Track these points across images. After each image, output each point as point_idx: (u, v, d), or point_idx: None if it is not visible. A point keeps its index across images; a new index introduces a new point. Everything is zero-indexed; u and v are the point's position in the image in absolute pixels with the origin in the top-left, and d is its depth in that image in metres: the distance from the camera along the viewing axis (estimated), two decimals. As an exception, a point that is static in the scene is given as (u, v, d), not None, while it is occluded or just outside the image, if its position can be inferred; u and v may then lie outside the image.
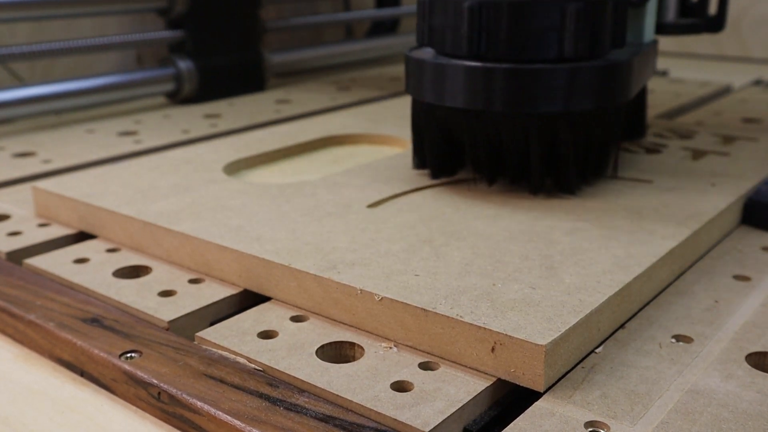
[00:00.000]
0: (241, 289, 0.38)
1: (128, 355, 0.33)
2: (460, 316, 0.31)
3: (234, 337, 0.34)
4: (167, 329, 0.35)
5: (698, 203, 0.44)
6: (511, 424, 0.28)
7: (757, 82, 0.90)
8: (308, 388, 0.30)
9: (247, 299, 0.38)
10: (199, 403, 0.29)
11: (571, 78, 0.42)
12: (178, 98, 0.84)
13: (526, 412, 0.28)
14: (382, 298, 0.33)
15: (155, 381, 0.31)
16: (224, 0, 0.87)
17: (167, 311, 0.36)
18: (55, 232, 0.47)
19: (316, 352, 0.32)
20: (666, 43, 1.09)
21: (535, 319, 0.31)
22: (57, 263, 0.42)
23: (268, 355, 0.32)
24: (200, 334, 0.34)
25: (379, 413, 0.28)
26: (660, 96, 0.78)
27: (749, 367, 0.31)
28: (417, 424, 0.27)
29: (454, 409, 0.28)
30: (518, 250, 0.37)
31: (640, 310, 0.36)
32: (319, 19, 1.07)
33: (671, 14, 0.56)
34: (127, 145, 0.66)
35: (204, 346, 0.33)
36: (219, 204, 0.45)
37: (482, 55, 0.43)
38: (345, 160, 0.59)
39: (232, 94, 0.87)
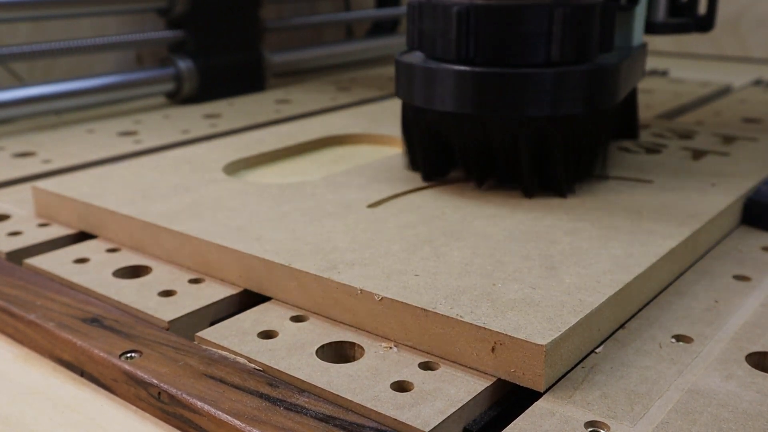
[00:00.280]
0: (241, 289, 0.38)
1: (128, 355, 0.33)
2: (460, 316, 0.31)
3: (234, 337, 0.34)
4: (167, 329, 0.35)
5: (698, 203, 0.44)
6: (511, 424, 0.28)
7: (757, 82, 0.90)
8: (308, 388, 0.30)
9: (247, 299, 0.38)
10: (199, 403, 0.29)
11: (559, 82, 0.43)
12: (178, 98, 0.84)
13: (526, 412, 0.28)
14: (382, 298, 0.33)
15: (155, 381, 0.31)
16: (224, 0, 0.87)
17: (167, 311, 0.36)
18: (55, 232, 0.47)
19: (316, 352, 0.32)
20: (666, 43, 1.10)
21: (535, 319, 0.31)
22: (57, 263, 0.42)
23: (268, 355, 0.32)
24: (200, 334, 0.34)
25: (380, 413, 0.28)
26: (660, 96, 0.78)
27: (749, 367, 0.31)
28: (417, 424, 0.27)
29: (454, 409, 0.28)
30: (518, 250, 0.37)
31: (640, 310, 0.36)
32: (319, 19, 1.07)
33: (661, 14, 0.57)
34: (127, 145, 0.66)
35: (204, 346, 0.33)
36: (219, 204, 0.45)
37: (471, 59, 0.43)
38: (345, 160, 0.59)
39: (232, 94, 0.87)
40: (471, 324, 0.30)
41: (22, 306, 0.37)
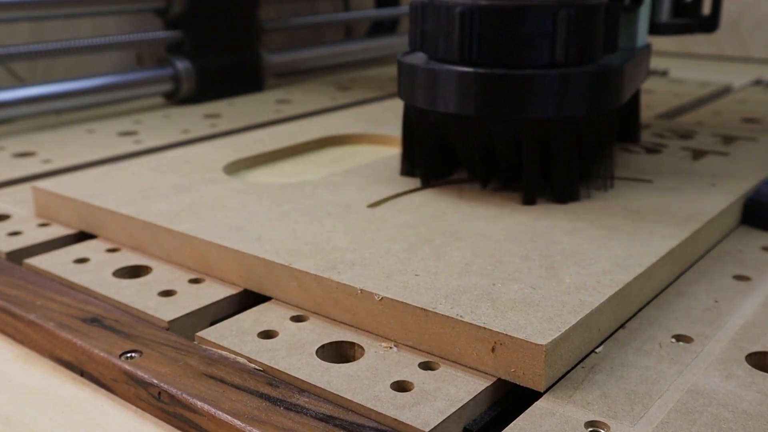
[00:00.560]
0: (241, 289, 0.38)
1: (128, 355, 0.33)
2: (460, 316, 0.31)
3: (234, 337, 0.34)
4: (167, 329, 0.35)
5: (698, 203, 0.44)
6: (511, 424, 0.28)
7: (757, 82, 0.90)
8: (308, 388, 0.30)
9: (247, 299, 0.38)
10: (199, 403, 0.29)
11: (563, 84, 0.42)
12: (176, 98, 0.84)
13: (526, 412, 0.28)
14: (382, 298, 0.33)
15: (155, 381, 0.31)
16: (222, 0, 0.87)
17: (167, 311, 0.36)
18: (55, 232, 0.47)
19: (317, 352, 0.32)
20: (666, 43, 1.10)
21: (536, 319, 0.31)
22: (57, 263, 0.42)
23: (268, 355, 0.32)
24: (200, 334, 0.34)
25: (380, 413, 0.28)
26: (660, 96, 0.78)
27: (749, 367, 0.31)
28: (417, 423, 0.27)
29: (454, 409, 0.28)
30: (518, 250, 0.37)
31: (640, 310, 0.36)
32: (319, 19, 1.07)
33: (665, 14, 0.56)
34: (127, 145, 0.66)
35: (204, 346, 0.33)
36: (219, 204, 0.45)
37: (474, 60, 0.43)
38: (345, 160, 0.59)
39: (230, 95, 0.87)
40: (471, 324, 0.30)
41: (22, 306, 0.37)
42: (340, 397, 0.29)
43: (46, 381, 0.33)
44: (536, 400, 0.29)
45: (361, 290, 0.33)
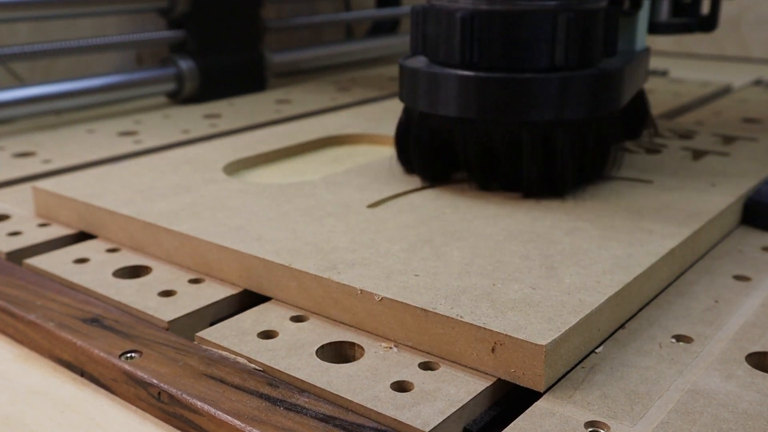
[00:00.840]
0: (241, 289, 0.38)
1: (128, 355, 0.33)
2: (460, 316, 0.31)
3: (234, 337, 0.34)
4: (167, 329, 0.35)
5: (698, 203, 0.44)
6: (511, 424, 0.28)
7: (757, 82, 0.90)
8: (308, 388, 0.30)
9: (247, 299, 0.38)
10: (199, 403, 0.29)
11: (563, 87, 0.43)
12: (179, 98, 0.84)
13: (526, 412, 0.28)
14: (382, 298, 0.33)
15: (155, 381, 0.31)
16: (225, 0, 0.87)
17: (167, 311, 0.36)
18: (55, 232, 0.47)
19: (316, 352, 0.32)
20: (666, 43, 1.10)
21: (535, 319, 0.31)
22: (57, 263, 0.42)
23: (268, 355, 0.32)
24: (200, 334, 0.34)
25: (380, 413, 0.28)
26: (660, 96, 0.78)
27: (749, 367, 0.31)
28: (417, 424, 0.27)
29: (454, 409, 0.28)
30: (518, 250, 0.37)
31: (640, 310, 0.36)
32: (319, 19, 1.07)
33: (664, 14, 0.56)
34: (127, 145, 0.66)
35: (204, 346, 0.33)
36: (219, 204, 0.45)
37: (475, 64, 0.43)
38: (345, 160, 0.59)
39: (233, 94, 0.87)
40: (471, 324, 0.30)
41: (22, 306, 0.37)
42: (340, 397, 0.29)
43: (46, 381, 0.33)
44: (536, 400, 0.29)
45: (361, 290, 0.33)
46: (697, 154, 0.54)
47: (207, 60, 0.84)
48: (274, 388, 0.30)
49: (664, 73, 0.95)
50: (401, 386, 0.30)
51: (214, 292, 0.38)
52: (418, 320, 0.32)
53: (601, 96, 0.44)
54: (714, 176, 0.49)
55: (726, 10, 1.00)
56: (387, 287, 0.33)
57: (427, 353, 0.32)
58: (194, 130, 0.71)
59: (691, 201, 0.44)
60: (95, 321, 0.36)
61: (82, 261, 0.42)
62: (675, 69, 0.98)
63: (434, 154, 0.47)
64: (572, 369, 0.31)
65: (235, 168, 0.55)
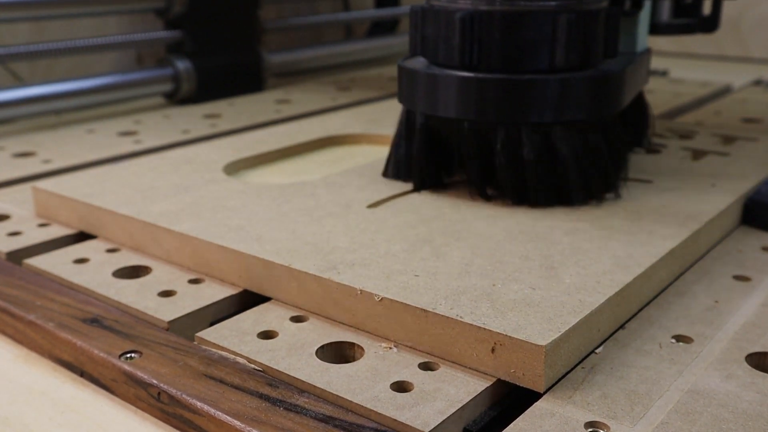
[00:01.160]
0: (241, 289, 0.38)
1: (128, 355, 0.33)
2: (460, 317, 0.31)
3: (234, 337, 0.34)
4: (167, 329, 0.35)
5: (698, 203, 0.44)
6: (511, 425, 0.28)
7: (757, 82, 0.90)
8: (308, 388, 0.30)
9: (247, 299, 0.38)
10: (199, 404, 0.29)
11: (563, 89, 0.42)
12: (176, 98, 0.84)
13: (526, 412, 0.28)
14: (382, 299, 0.33)
15: (155, 381, 0.31)
16: (223, 0, 0.87)
17: (167, 311, 0.36)
18: (55, 232, 0.47)
19: (316, 352, 0.32)
20: (666, 43, 1.10)
21: (535, 319, 0.31)
22: (57, 263, 0.42)
23: (268, 355, 0.32)
24: (200, 334, 0.34)
25: (379, 413, 0.28)
26: (660, 96, 0.78)
27: (749, 367, 0.31)
28: (417, 424, 0.27)
29: (454, 410, 0.28)
30: (518, 250, 0.37)
31: (640, 310, 0.36)
32: (319, 19, 1.07)
33: (665, 14, 0.56)
34: (127, 145, 0.66)
35: (204, 347, 0.33)
36: (219, 204, 0.45)
37: (474, 65, 0.43)
38: (345, 160, 0.59)
39: (231, 95, 0.87)
40: (471, 324, 0.30)
41: (22, 306, 0.37)
42: (340, 397, 0.29)
43: (46, 381, 0.33)
44: (536, 400, 0.29)
45: (361, 290, 0.33)
46: (697, 154, 0.54)
47: (204, 60, 0.84)
48: (273, 389, 0.30)
49: (664, 74, 0.95)
50: (401, 386, 0.30)
51: (214, 293, 0.38)
52: (418, 320, 0.32)
53: (601, 98, 0.44)
54: (714, 176, 0.49)
55: (726, 11, 1.00)
56: (387, 287, 0.33)
57: (427, 353, 0.32)
58: (194, 130, 0.71)
59: (691, 201, 0.44)
60: (95, 321, 0.36)
61: (81, 261, 0.42)
62: (675, 69, 0.98)
63: (430, 157, 0.47)
64: (572, 369, 0.31)
65: (235, 168, 0.55)
